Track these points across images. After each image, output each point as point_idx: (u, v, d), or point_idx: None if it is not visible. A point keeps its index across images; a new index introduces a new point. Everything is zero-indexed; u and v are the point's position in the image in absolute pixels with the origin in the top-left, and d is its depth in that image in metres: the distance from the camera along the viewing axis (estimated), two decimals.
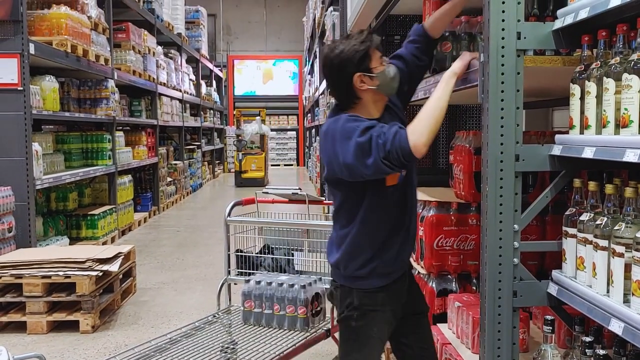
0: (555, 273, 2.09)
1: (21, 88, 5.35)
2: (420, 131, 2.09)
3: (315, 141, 14.45)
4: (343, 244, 2.33)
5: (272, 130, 19.99)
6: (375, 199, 2.25)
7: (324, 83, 9.59)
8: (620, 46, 1.80)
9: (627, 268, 1.71)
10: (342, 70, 2.24)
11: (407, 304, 2.42)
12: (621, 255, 1.73)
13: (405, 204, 2.33)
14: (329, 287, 2.54)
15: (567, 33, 2.00)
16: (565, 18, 1.95)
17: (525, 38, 2.00)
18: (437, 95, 2.20)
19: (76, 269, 4.40)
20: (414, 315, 2.47)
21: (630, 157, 1.63)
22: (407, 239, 2.37)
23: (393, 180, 2.24)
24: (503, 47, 2.00)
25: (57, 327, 4.41)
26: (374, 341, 2.36)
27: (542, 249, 2.35)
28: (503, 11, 1.99)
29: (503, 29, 1.99)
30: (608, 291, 1.81)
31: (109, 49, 7.74)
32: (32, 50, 5.44)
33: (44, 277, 4.32)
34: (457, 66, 2.27)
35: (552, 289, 2.07)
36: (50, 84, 6.14)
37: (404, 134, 2.08)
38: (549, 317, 2.11)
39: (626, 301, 1.72)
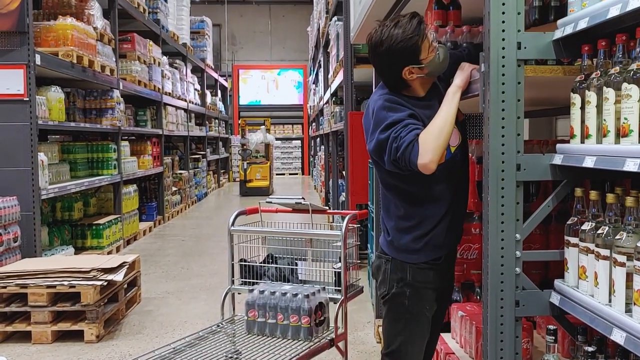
0: (557, 282, 2.09)
1: (27, 99, 5.39)
2: (429, 149, 2.12)
3: (319, 150, 14.46)
4: (395, 217, 2.36)
5: (277, 139, 20.03)
6: (422, 176, 2.23)
7: (328, 93, 9.62)
8: (620, 56, 1.80)
9: (629, 277, 1.71)
10: (391, 64, 2.25)
11: (445, 291, 2.47)
12: (622, 264, 1.73)
13: (454, 181, 2.35)
14: (374, 260, 2.49)
15: (567, 43, 2.01)
16: (565, 28, 1.96)
17: (525, 48, 2.01)
18: (444, 111, 2.22)
19: (81, 279, 4.41)
20: (440, 307, 2.50)
21: (630, 166, 1.63)
22: (456, 214, 2.38)
23: None
24: (503, 57, 2.01)
25: (61, 336, 4.42)
26: (426, 320, 2.38)
27: (544, 259, 2.34)
28: (503, 21, 2.00)
29: (503, 39, 2.00)
30: (610, 301, 1.80)
31: (114, 60, 7.79)
32: (38, 61, 5.48)
33: (49, 286, 4.34)
34: (459, 80, 2.29)
35: (555, 299, 2.07)
36: (56, 94, 6.19)
37: (417, 149, 2.11)
38: (551, 327, 2.11)
39: (628, 311, 1.72)
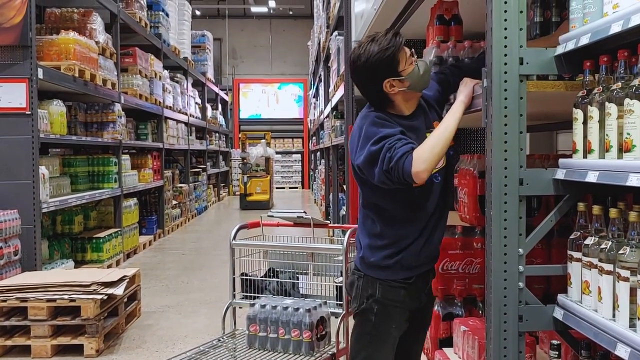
0: (560, 297, 2.09)
1: (29, 112, 5.40)
2: (424, 159, 2.09)
3: (319, 164, 14.47)
4: (370, 234, 2.35)
5: (277, 153, 20.05)
6: (401, 196, 2.25)
7: (329, 107, 9.65)
8: (622, 71, 1.81)
9: (633, 292, 1.71)
10: (371, 77, 2.25)
11: (419, 312, 2.43)
12: (626, 279, 1.73)
13: (434, 205, 2.32)
14: (350, 276, 2.47)
15: (569, 58, 2.03)
16: (567, 44, 1.98)
17: (527, 63, 2.03)
18: (445, 124, 2.22)
19: (81, 293, 4.40)
20: (419, 328, 2.49)
21: (633, 181, 1.64)
22: (432, 237, 2.35)
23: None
24: (506, 73, 2.02)
25: (61, 350, 4.39)
26: (391, 339, 2.35)
27: (547, 273, 2.35)
28: (505, 37, 2.01)
29: (505, 55, 2.02)
30: (614, 315, 1.80)
31: (116, 73, 7.83)
32: (40, 75, 5.51)
33: (49, 300, 4.32)
34: (463, 95, 2.29)
35: (558, 314, 2.07)
36: (57, 108, 6.21)
37: (411, 158, 2.09)
38: (555, 342, 2.10)
39: (632, 325, 1.71)
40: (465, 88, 2.31)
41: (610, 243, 1.83)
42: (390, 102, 2.28)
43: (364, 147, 2.20)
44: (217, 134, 18.19)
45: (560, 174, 2.03)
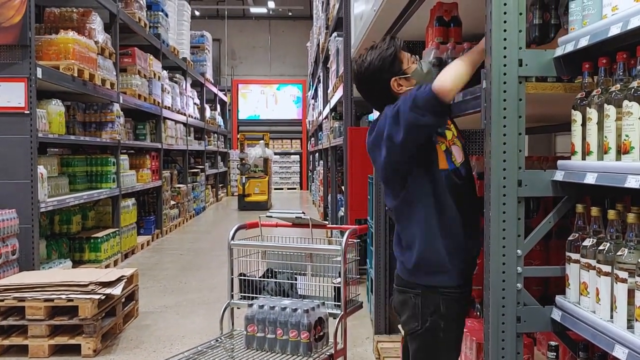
0: (558, 298, 2.09)
1: (28, 112, 5.40)
2: (446, 76, 2.14)
3: (318, 165, 14.47)
4: (415, 239, 2.28)
5: (275, 154, 20.05)
6: (428, 181, 2.25)
7: (328, 108, 9.65)
8: (621, 73, 1.82)
9: (631, 294, 1.71)
10: (377, 80, 2.29)
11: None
12: (624, 280, 1.73)
13: (463, 200, 2.31)
14: (396, 296, 2.37)
15: (568, 60, 2.03)
16: (566, 46, 1.98)
17: (526, 65, 2.03)
18: (470, 53, 2.25)
19: (79, 292, 4.40)
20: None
21: (631, 183, 1.64)
22: (471, 235, 2.33)
23: (443, 163, 2.28)
24: (505, 74, 2.02)
25: (58, 350, 4.39)
26: (459, 350, 2.34)
27: (546, 275, 2.34)
28: (505, 39, 2.01)
29: (505, 56, 2.02)
30: (612, 317, 1.80)
31: (115, 73, 7.83)
32: (39, 74, 5.50)
33: (46, 300, 4.32)
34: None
35: (556, 315, 2.07)
36: (56, 107, 6.20)
37: (429, 84, 2.14)
38: (553, 343, 2.10)
39: (630, 327, 1.71)
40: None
41: (608, 244, 1.83)
42: None
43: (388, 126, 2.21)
44: (215, 135, 18.19)
45: (558, 176, 2.03)
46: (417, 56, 2.37)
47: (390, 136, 2.20)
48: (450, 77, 2.16)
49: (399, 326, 2.46)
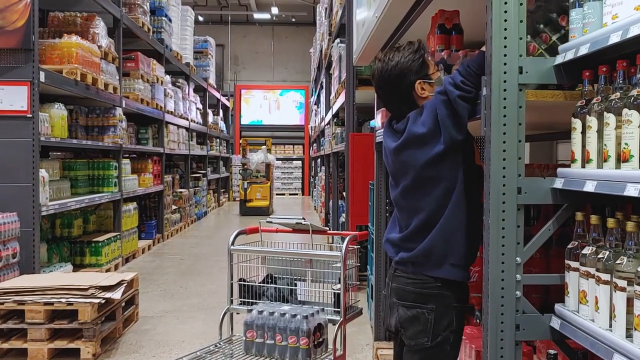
0: (558, 307, 2.08)
1: (30, 115, 5.42)
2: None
3: (320, 171, 14.47)
4: (439, 236, 2.27)
5: (277, 159, 20.07)
6: (467, 175, 2.26)
7: (330, 114, 9.66)
8: (621, 82, 1.82)
9: (629, 302, 1.71)
10: (403, 79, 2.30)
11: None
12: (623, 289, 1.72)
13: (480, 198, 2.31)
14: (403, 312, 2.30)
15: (568, 68, 2.03)
16: (566, 54, 1.98)
17: (527, 73, 2.03)
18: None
19: (79, 296, 4.39)
20: None
21: (630, 191, 1.64)
22: (479, 238, 2.33)
23: (478, 159, 2.31)
24: (505, 82, 2.02)
25: (58, 354, 4.38)
26: None
27: (545, 282, 2.34)
28: (505, 46, 2.02)
29: (505, 64, 2.02)
30: (611, 325, 1.79)
31: (118, 78, 7.85)
32: (42, 78, 5.52)
33: (46, 303, 4.32)
34: None
35: (555, 323, 2.06)
36: (59, 111, 6.22)
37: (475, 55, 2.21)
38: (552, 351, 2.09)
39: (629, 336, 1.71)
40: None
41: (607, 253, 1.83)
42: (416, 108, 2.32)
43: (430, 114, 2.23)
44: (218, 140, 18.21)
45: (558, 183, 2.03)
46: (441, 65, 2.40)
47: (445, 118, 2.21)
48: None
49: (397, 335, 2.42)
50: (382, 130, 2.52)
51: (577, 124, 1.97)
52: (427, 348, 2.24)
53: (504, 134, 2.03)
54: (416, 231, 2.32)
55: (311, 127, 18.07)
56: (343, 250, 3.19)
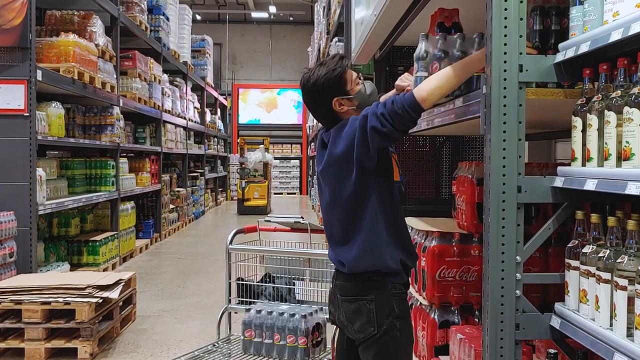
0: (558, 306, 2.08)
1: (27, 114, 5.39)
2: (428, 86, 2.15)
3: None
4: (370, 245, 2.27)
5: (275, 158, 20.04)
6: (386, 190, 2.26)
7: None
8: (622, 80, 1.81)
9: (630, 301, 1.70)
10: (320, 98, 2.32)
11: None
12: (624, 288, 1.72)
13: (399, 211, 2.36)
14: (349, 305, 2.32)
15: (568, 66, 2.02)
16: (566, 52, 1.97)
17: (527, 71, 2.02)
18: (459, 64, 2.23)
19: (76, 296, 4.37)
20: None
21: (632, 189, 1.63)
22: (410, 244, 2.39)
23: (397, 175, 2.32)
24: (505, 80, 2.02)
25: (55, 354, 4.36)
26: (412, 342, 2.36)
27: (545, 281, 2.33)
28: (505, 44, 2.01)
29: (505, 62, 2.01)
30: (611, 325, 1.79)
31: (115, 76, 7.82)
32: (39, 76, 5.50)
33: (43, 303, 4.30)
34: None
35: (555, 322, 2.05)
36: (56, 110, 6.19)
37: (410, 92, 2.15)
38: (552, 351, 2.09)
39: (629, 335, 1.70)
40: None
41: (608, 252, 1.82)
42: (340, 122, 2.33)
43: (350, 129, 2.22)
44: (215, 139, 18.19)
45: (558, 182, 2.03)
46: (362, 76, 2.40)
47: (362, 129, 2.19)
48: (430, 88, 2.15)
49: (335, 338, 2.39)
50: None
51: (577, 122, 1.96)
52: (377, 338, 2.25)
53: (504, 132, 2.03)
54: (346, 247, 2.35)
55: (309, 126, 18.06)
56: None
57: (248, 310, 3.32)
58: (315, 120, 14.91)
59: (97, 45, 7.09)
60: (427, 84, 2.19)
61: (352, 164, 2.24)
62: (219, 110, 19.57)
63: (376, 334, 2.24)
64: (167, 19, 11.14)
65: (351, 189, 2.26)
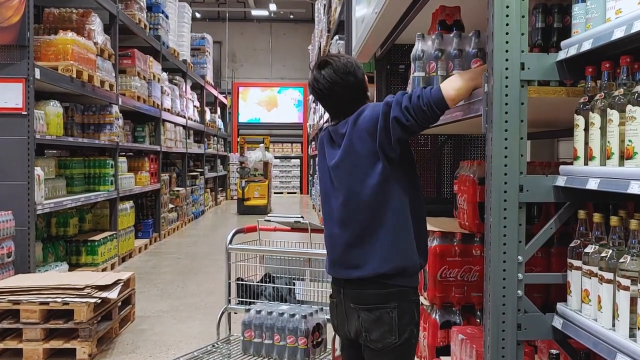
0: (560, 306, 2.06)
1: (25, 113, 5.37)
2: (454, 84, 2.16)
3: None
4: (397, 240, 2.20)
5: (275, 157, 20.02)
6: (411, 185, 2.25)
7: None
8: (624, 78, 1.80)
9: (633, 302, 1.69)
10: (357, 72, 2.31)
11: None
12: (627, 288, 1.70)
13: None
14: (368, 314, 2.21)
15: (571, 64, 2.01)
16: (569, 49, 1.96)
17: (529, 69, 2.01)
18: (476, 72, 2.24)
19: (75, 296, 4.36)
20: None
21: (634, 188, 1.61)
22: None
23: (418, 172, 2.35)
24: (507, 78, 2.00)
25: (53, 354, 4.34)
26: None
27: (547, 281, 2.32)
28: (507, 42, 1.99)
29: (507, 60, 2.00)
30: (614, 325, 1.77)
31: (114, 75, 7.80)
32: (37, 75, 5.47)
33: (41, 303, 4.28)
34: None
35: (557, 323, 2.04)
36: (54, 108, 6.17)
37: (437, 86, 2.16)
38: (554, 351, 2.07)
39: (632, 335, 1.69)
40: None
41: (610, 251, 1.81)
42: (367, 99, 2.37)
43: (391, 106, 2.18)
44: (215, 138, 18.17)
45: (560, 181, 2.01)
46: None
47: (385, 115, 2.17)
48: (458, 86, 2.16)
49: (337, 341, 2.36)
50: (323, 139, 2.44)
51: (579, 120, 1.94)
52: (397, 347, 2.19)
53: (506, 130, 2.01)
54: (364, 245, 2.33)
55: (310, 125, 18.05)
56: None
57: (248, 310, 3.30)
58: (315, 119, 14.88)
59: (95, 44, 7.06)
60: (454, 82, 2.17)
61: (375, 153, 2.17)
62: (218, 109, 19.55)
63: (397, 342, 2.19)
64: (167, 16, 11.12)
65: (375, 181, 2.18)
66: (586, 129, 1.91)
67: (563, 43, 2.01)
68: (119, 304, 4.94)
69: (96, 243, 7.06)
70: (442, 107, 2.12)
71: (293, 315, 3.17)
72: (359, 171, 2.21)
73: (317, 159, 2.56)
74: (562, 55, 2.00)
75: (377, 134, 2.16)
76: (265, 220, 3.74)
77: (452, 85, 2.15)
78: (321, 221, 11.19)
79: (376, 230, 2.19)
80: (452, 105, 2.15)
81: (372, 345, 2.21)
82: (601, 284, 1.82)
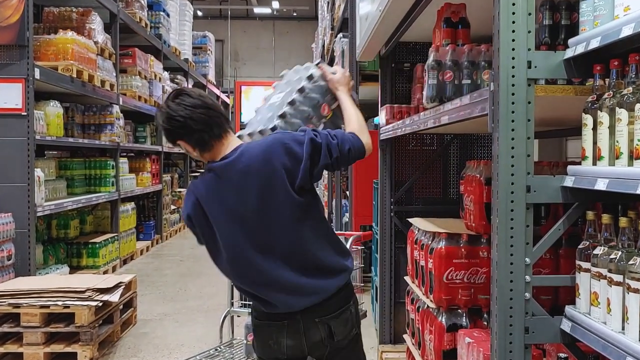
0: (568, 309, 2.03)
1: (25, 113, 5.35)
2: (366, 132, 2.36)
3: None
4: (334, 248, 2.33)
5: None
6: (317, 194, 2.37)
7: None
8: (633, 76, 1.77)
9: None
10: (221, 118, 2.30)
11: None
12: (636, 290, 1.68)
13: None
14: (335, 320, 2.27)
15: (578, 62, 1.98)
16: (576, 47, 1.92)
17: (536, 67, 1.97)
18: (353, 107, 2.44)
19: (75, 299, 4.33)
20: None
21: None
22: None
23: None
24: (513, 76, 1.96)
25: (54, 358, 4.33)
26: None
27: (555, 284, 2.28)
28: (513, 40, 1.96)
29: (513, 58, 1.96)
30: (623, 328, 1.75)
31: (114, 74, 7.77)
32: (37, 75, 5.45)
33: (42, 307, 4.25)
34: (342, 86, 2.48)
35: (566, 326, 2.01)
36: (54, 109, 6.15)
37: (355, 136, 2.31)
38: (562, 355, 2.05)
39: None
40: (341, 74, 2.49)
41: (620, 253, 1.78)
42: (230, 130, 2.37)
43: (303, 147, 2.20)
44: None
45: (568, 181, 1.98)
46: None
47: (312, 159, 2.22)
48: (364, 132, 2.35)
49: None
50: None
51: (588, 119, 1.91)
52: (357, 334, 2.34)
53: (512, 130, 1.98)
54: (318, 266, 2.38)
55: None
56: None
57: (251, 313, 3.26)
58: None
59: (96, 43, 7.04)
60: (359, 127, 2.35)
61: (289, 186, 2.18)
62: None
63: (357, 330, 2.32)
64: (168, 15, 11.09)
65: (298, 210, 2.20)
66: (594, 128, 1.88)
67: (570, 41, 1.98)
68: (121, 307, 4.92)
69: (97, 245, 7.04)
70: (363, 154, 2.31)
71: None
72: (276, 211, 2.20)
73: (197, 220, 2.41)
74: (569, 53, 1.96)
75: (300, 171, 2.18)
76: None
77: (364, 133, 2.33)
78: None
79: (317, 252, 2.28)
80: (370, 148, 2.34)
81: (338, 345, 2.27)
82: (610, 286, 1.79)
